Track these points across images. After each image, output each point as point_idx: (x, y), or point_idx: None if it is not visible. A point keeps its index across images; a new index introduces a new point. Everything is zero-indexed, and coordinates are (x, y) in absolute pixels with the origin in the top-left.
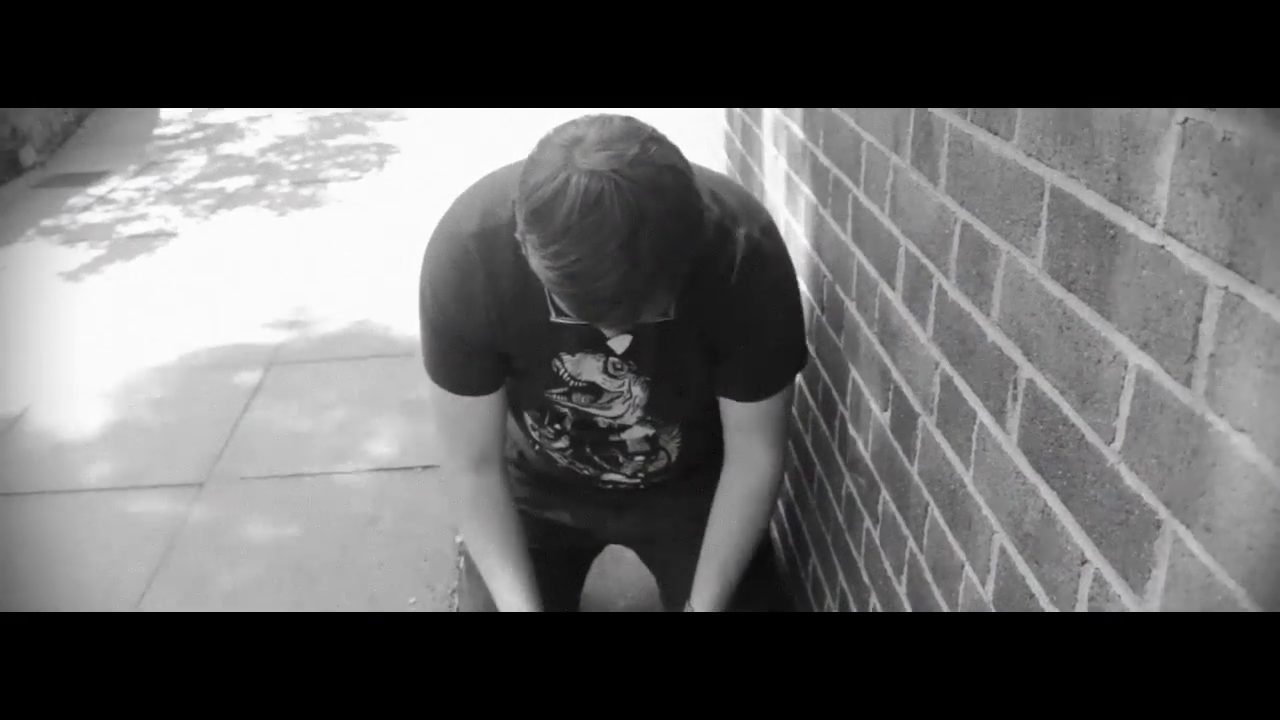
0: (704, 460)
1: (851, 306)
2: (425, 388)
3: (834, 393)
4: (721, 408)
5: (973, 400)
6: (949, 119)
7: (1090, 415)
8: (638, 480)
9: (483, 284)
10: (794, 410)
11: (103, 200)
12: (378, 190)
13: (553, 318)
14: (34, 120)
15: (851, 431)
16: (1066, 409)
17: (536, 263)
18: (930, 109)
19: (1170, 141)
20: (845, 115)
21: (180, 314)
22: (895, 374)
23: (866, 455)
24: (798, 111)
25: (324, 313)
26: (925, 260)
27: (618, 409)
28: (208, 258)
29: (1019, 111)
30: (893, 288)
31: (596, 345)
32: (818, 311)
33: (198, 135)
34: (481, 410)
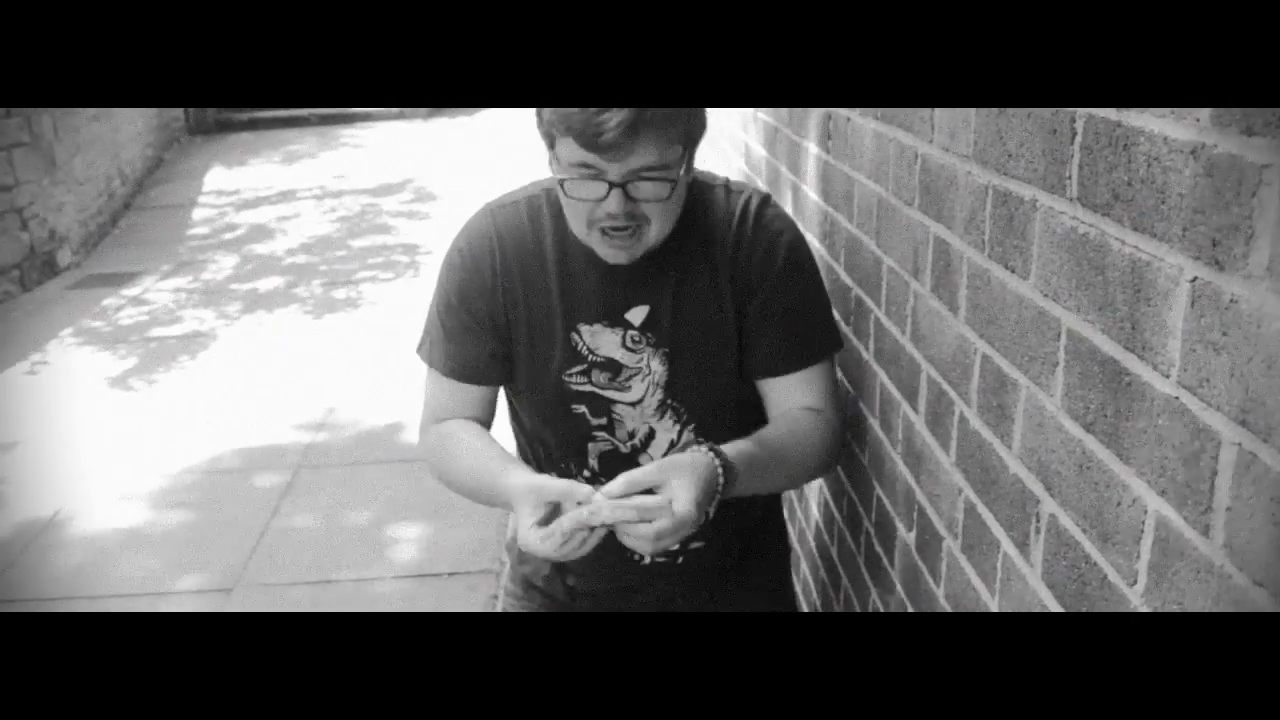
0: (746, 534)
1: (875, 424)
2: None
3: (859, 507)
4: (766, 400)
5: (996, 529)
6: (966, 252)
7: (1112, 556)
8: (675, 551)
9: (498, 247)
10: (819, 520)
11: (136, 301)
12: (408, 292)
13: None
14: (71, 221)
15: (877, 548)
16: (1089, 547)
17: (552, 115)
18: (947, 241)
19: (1180, 298)
20: (866, 237)
21: (211, 416)
22: (919, 495)
23: (893, 572)
24: (818, 227)
25: (354, 415)
26: (947, 387)
27: (637, 389)
28: (240, 359)
29: (1034, 250)
30: (915, 410)
31: (614, 318)
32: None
33: (229, 235)
34: (471, 398)
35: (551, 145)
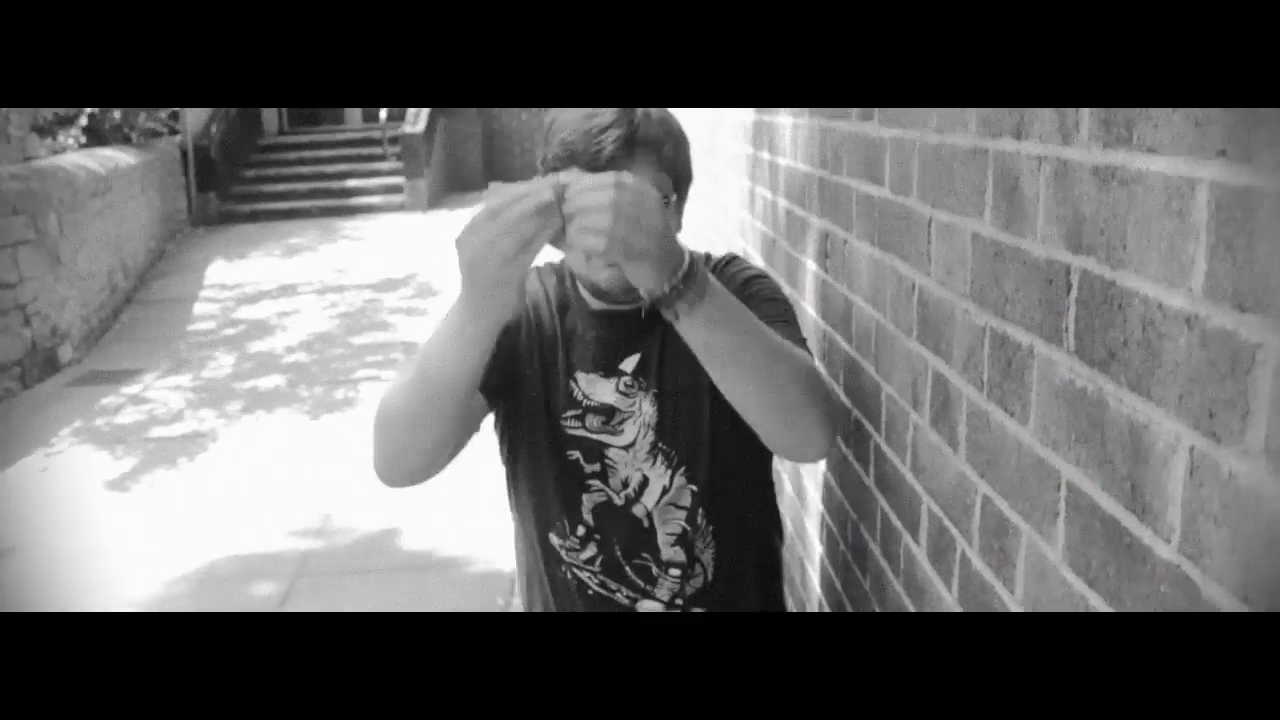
0: (744, 587)
1: (877, 551)
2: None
3: None
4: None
5: None
6: (966, 390)
7: None
8: (677, 609)
9: (529, 300)
10: None
11: (136, 400)
12: None
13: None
14: (73, 317)
15: None
16: None
17: (556, 151)
18: (946, 376)
19: (1179, 466)
20: (865, 361)
21: (209, 520)
22: None
23: None
24: (815, 345)
25: (352, 521)
26: (948, 523)
27: (629, 432)
28: (239, 461)
29: (1033, 396)
30: (917, 542)
31: (609, 369)
32: (842, 547)
33: (229, 332)
34: None
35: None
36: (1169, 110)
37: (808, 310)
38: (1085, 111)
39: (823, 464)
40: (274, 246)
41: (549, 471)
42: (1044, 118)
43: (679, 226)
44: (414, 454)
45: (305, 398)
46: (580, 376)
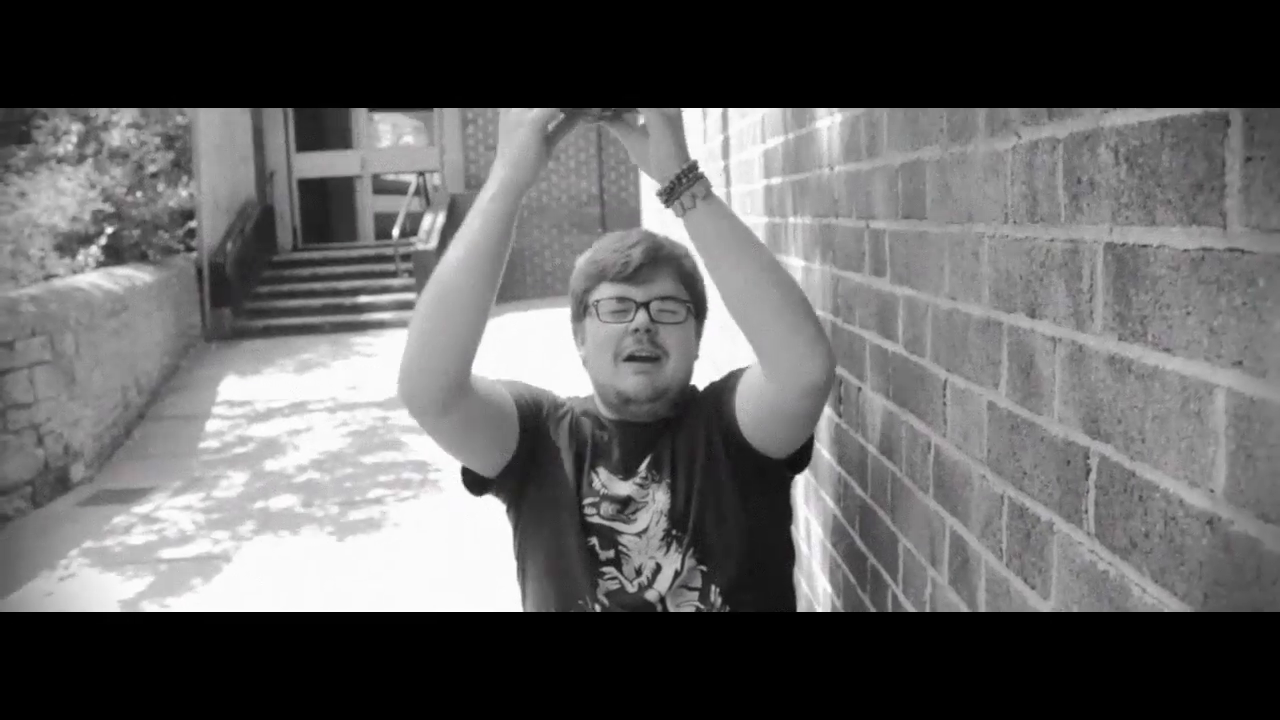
0: None
1: None
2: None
3: None
4: (753, 386)
5: None
6: (985, 555)
7: None
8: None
9: (558, 404)
10: None
11: (147, 519)
12: (428, 512)
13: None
14: (86, 436)
15: None
16: None
17: (588, 270)
18: (964, 538)
19: None
20: (881, 511)
21: None
22: None
23: None
24: (830, 487)
25: None
26: None
27: (643, 519)
28: (253, 584)
29: (1054, 574)
30: None
31: (629, 470)
32: None
33: (240, 450)
34: (493, 385)
35: (581, 317)
36: (1183, 313)
37: (822, 452)
38: (1099, 301)
39: (842, 601)
40: (287, 362)
41: (566, 556)
42: (1057, 301)
43: (697, 349)
44: (438, 353)
45: (321, 517)
46: (601, 471)
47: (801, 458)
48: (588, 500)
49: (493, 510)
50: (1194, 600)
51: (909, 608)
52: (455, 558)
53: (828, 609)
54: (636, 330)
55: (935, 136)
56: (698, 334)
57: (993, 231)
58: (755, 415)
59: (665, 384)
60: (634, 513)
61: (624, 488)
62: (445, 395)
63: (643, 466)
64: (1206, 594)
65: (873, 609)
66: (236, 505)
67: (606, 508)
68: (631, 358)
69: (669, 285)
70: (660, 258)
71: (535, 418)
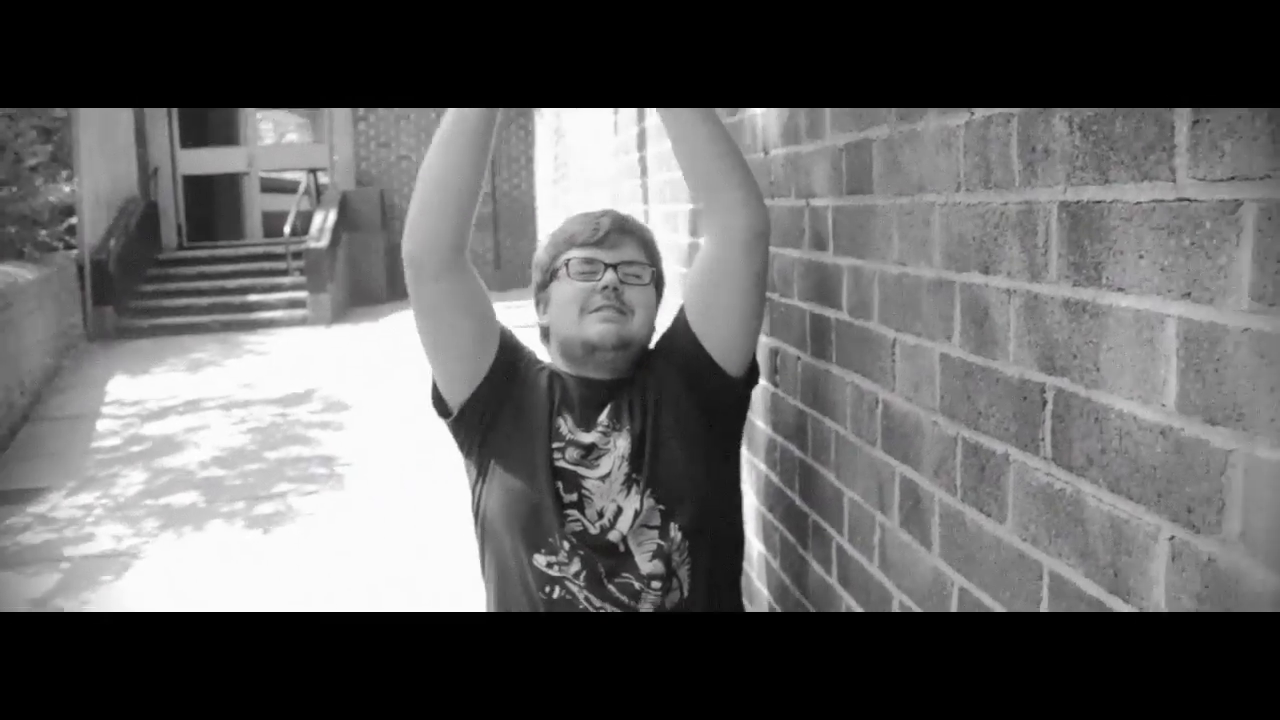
0: (720, 600)
1: None
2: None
3: None
4: (696, 286)
5: None
6: (937, 493)
7: None
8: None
9: (532, 356)
10: None
11: (43, 519)
12: (336, 506)
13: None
14: None
15: None
16: None
17: (560, 239)
18: (915, 481)
19: (1160, 553)
20: (825, 470)
21: None
22: None
23: None
24: (764, 454)
25: None
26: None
27: (605, 464)
28: (167, 579)
29: (1009, 499)
30: None
31: (589, 421)
32: None
33: (136, 448)
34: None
35: (547, 285)
36: (1136, 256)
37: (756, 423)
38: (1053, 254)
39: (779, 560)
40: (177, 361)
41: (543, 493)
42: (1012, 257)
43: (658, 301)
44: (436, 211)
45: (226, 513)
46: (567, 417)
47: (754, 372)
48: (555, 444)
49: (407, 502)
50: (1148, 500)
51: (855, 556)
52: (369, 549)
53: (762, 572)
54: (605, 288)
55: (884, 117)
56: (658, 304)
57: (944, 200)
58: (706, 310)
59: (630, 335)
60: (597, 458)
61: (587, 437)
62: (446, 253)
63: (603, 416)
64: (1160, 493)
65: (816, 565)
66: (136, 503)
67: (571, 452)
68: (600, 309)
69: (634, 252)
70: (627, 228)
71: (514, 353)
